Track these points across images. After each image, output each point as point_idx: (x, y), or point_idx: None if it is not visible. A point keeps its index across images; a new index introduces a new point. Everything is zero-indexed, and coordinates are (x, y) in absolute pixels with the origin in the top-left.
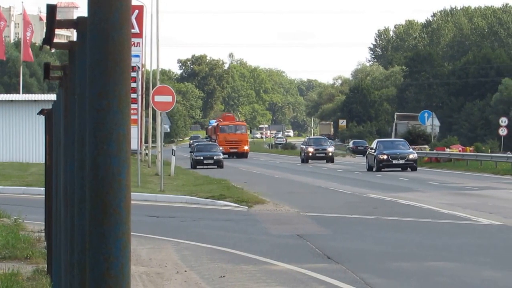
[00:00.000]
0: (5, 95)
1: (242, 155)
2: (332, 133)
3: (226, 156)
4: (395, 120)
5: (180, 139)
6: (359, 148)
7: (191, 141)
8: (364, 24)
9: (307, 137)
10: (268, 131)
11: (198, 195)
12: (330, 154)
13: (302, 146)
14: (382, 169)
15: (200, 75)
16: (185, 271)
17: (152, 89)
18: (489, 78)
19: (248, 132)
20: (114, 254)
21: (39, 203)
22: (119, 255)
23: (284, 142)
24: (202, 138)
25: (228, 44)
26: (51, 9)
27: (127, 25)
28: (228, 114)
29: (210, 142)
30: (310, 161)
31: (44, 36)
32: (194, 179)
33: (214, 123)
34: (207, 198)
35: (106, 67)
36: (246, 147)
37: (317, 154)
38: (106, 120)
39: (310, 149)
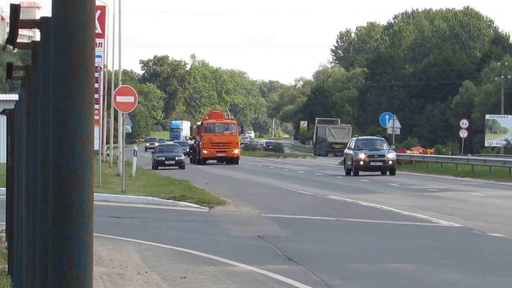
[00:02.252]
0: None
1: (232, 160)
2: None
3: (215, 161)
4: (316, 124)
5: (142, 140)
6: (270, 148)
7: (148, 144)
8: (326, 25)
9: (355, 137)
10: None
11: (159, 196)
12: (391, 162)
13: (347, 151)
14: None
15: (162, 75)
16: (146, 272)
17: (114, 90)
18: (450, 81)
19: (240, 132)
20: (76, 254)
21: (0, 204)
22: (81, 255)
23: (248, 142)
24: (166, 140)
25: (190, 45)
26: (15, 9)
27: (91, 26)
28: (216, 110)
29: (171, 143)
30: (361, 172)
31: (7, 36)
32: (155, 180)
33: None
34: (168, 199)
35: (70, 68)
36: (236, 151)
37: (372, 163)
38: (70, 121)
39: (362, 156)
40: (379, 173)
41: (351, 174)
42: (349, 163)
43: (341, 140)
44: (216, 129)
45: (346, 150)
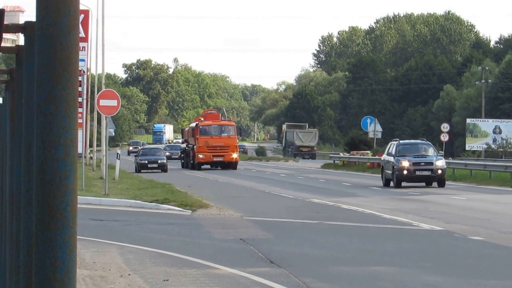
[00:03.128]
0: None
1: (230, 165)
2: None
3: (208, 166)
4: (285, 129)
5: (125, 143)
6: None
7: (131, 147)
8: (308, 30)
9: (396, 141)
10: None
11: (142, 199)
12: (440, 171)
13: (386, 157)
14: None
15: (145, 79)
16: (129, 274)
17: (97, 93)
18: (431, 85)
19: (238, 135)
20: (60, 257)
21: None
22: (65, 258)
23: None
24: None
25: (173, 49)
26: None
27: (75, 30)
28: (211, 111)
29: (154, 146)
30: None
31: None
32: (138, 183)
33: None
34: (151, 202)
35: (54, 72)
36: (234, 155)
37: (418, 172)
38: (54, 125)
39: (406, 164)
40: (423, 184)
41: (392, 185)
42: (389, 172)
43: (308, 143)
44: (213, 132)
45: (384, 157)
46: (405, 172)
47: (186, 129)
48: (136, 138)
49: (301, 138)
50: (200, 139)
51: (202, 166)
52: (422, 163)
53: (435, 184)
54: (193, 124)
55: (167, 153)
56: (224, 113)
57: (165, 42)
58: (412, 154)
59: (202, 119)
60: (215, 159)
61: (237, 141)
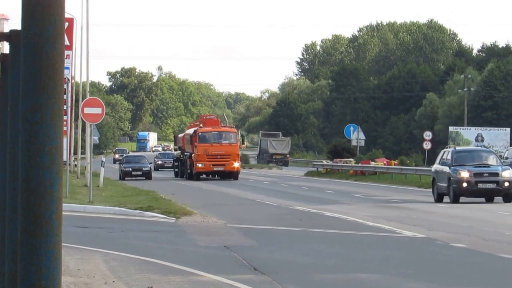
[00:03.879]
0: None
1: (231, 175)
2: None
3: (204, 175)
4: (260, 137)
5: (109, 151)
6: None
7: (117, 155)
8: (291, 38)
9: (451, 148)
10: None
11: (126, 206)
12: (507, 184)
13: (440, 167)
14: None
15: (129, 87)
16: (113, 281)
17: (82, 101)
18: (414, 93)
19: (240, 143)
20: (45, 265)
21: None
22: (50, 266)
23: None
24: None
25: (157, 57)
26: None
27: (60, 39)
28: (210, 116)
29: (138, 154)
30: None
31: None
32: (122, 190)
33: (189, 130)
34: (135, 209)
35: (40, 81)
36: (236, 164)
37: (481, 185)
38: (39, 133)
39: (466, 174)
40: (483, 199)
41: (448, 200)
42: (443, 185)
43: (281, 151)
44: (213, 139)
45: (436, 166)
46: (464, 184)
47: (181, 135)
48: (121, 145)
49: (274, 146)
50: (199, 147)
51: (201, 176)
52: (485, 174)
53: (497, 199)
54: (190, 131)
55: (159, 162)
56: (225, 119)
57: (149, 50)
58: (472, 163)
59: (201, 125)
60: (215, 168)
61: (239, 149)
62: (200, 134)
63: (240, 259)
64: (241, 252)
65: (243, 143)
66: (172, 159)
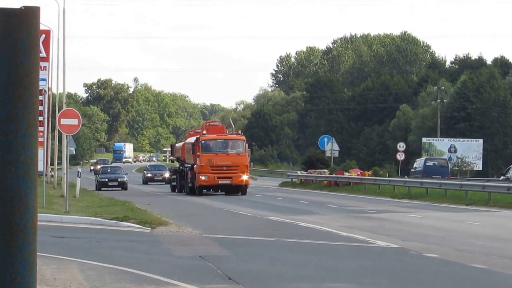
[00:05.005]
0: None
1: (238, 189)
2: None
3: (205, 189)
4: None
5: (86, 161)
6: None
7: (98, 166)
8: (266, 50)
9: None
10: None
11: (102, 216)
12: None
13: None
14: None
15: (105, 98)
16: None
17: (58, 112)
18: (387, 104)
19: (249, 152)
20: (20, 274)
21: None
22: (25, 274)
23: None
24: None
25: (133, 69)
26: None
27: (35, 50)
28: (214, 122)
29: (114, 165)
30: None
31: None
32: (98, 200)
33: (188, 137)
34: (111, 219)
35: (15, 91)
36: (244, 177)
37: None
38: (14, 143)
39: None
40: None
41: None
42: None
43: None
44: (218, 148)
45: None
46: None
47: (179, 145)
48: (97, 156)
49: None
50: (202, 157)
51: (204, 190)
52: None
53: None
54: (192, 139)
55: (149, 175)
56: (232, 125)
57: (126, 62)
58: None
59: (204, 132)
60: (221, 181)
61: (248, 159)
62: (203, 142)
63: (215, 268)
64: (216, 262)
65: (252, 153)
66: (164, 172)
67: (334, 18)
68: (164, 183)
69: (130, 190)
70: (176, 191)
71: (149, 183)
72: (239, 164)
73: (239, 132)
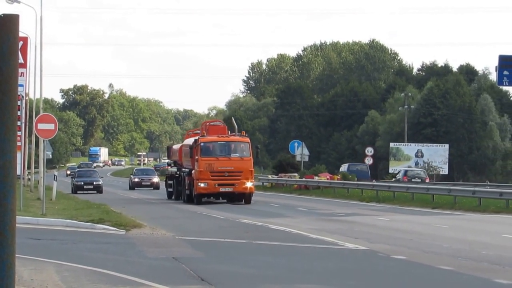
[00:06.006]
0: None
1: (241, 197)
2: None
3: (205, 197)
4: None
5: (62, 165)
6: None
7: (75, 171)
8: (238, 57)
9: None
10: (146, 158)
11: (78, 219)
12: None
13: None
14: None
15: (81, 104)
16: None
17: (36, 117)
18: (356, 110)
19: (254, 157)
20: None
21: None
22: (4, 276)
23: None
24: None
25: (108, 75)
26: None
27: (14, 57)
28: (215, 122)
29: (90, 168)
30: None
31: None
32: (74, 203)
33: (186, 139)
34: (87, 222)
35: None
36: (248, 184)
37: None
38: None
39: None
40: None
41: None
42: None
43: None
44: (219, 151)
45: None
46: None
47: (176, 147)
48: (73, 160)
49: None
50: (201, 161)
51: (203, 198)
52: None
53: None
54: (190, 140)
55: (136, 179)
56: (234, 125)
57: (101, 68)
58: None
59: (204, 133)
60: (222, 189)
61: (252, 164)
62: (202, 144)
63: (188, 270)
64: (189, 263)
65: (257, 156)
66: (152, 177)
67: (304, 26)
68: (152, 188)
69: (118, 197)
70: (173, 198)
71: (136, 188)
72: (242, 169)
73: (243, 133)
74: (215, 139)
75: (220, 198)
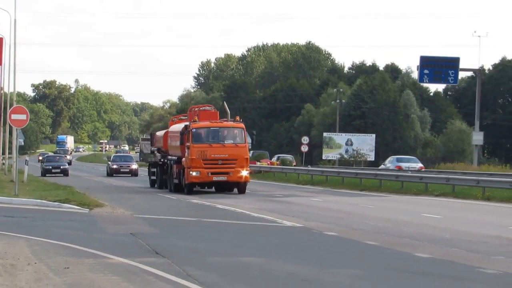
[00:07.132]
0: None
1: (236, 186)
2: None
3: (197, 187)
4: (140, 141)
5: (33, 151)
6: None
7: (44, 156)
8: (190, 56)
9: None
10: (107, 145)
11: (47, 199)
12: None
13: None
14: None
15: (50, 97)
16: (35, 263)
17: (9, 109)
18: (293, 104)
19: (250, 144)
20: None
21: None
22: None
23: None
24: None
25: (75, 71)
26: None
27: None
28: (205, 107)
29: (58, 154)
30: None
31: None
32: (44, 185)
33: (176, 124)
34: (54, 202)
35: None
36: (244, 172)
37: None
38: None
39: None
40: None
41: None
42: None
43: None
44: (212, 137)
45: None
46: None
47: (160, 133)
48: (42, 147)
49: (147, 148)
50: (193, 149)
51: (194, 188)
52: None
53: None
54: (177, 127)
55: (114, 166)
56: (226, 110)
57: (68, 65)
58: None
59: (195, 118)
60: (215, 178)
61: (248, 151)
62: (194, 130)
63: (144, 244)
64: (145, 239)
65: (252, 143)
66: (130, 163)
67: (249, 29)
68: (130, 175)
69: (98, 183)
70: (156, 186)
71: (114, 175)
72: (237, 157)
73: (237, 118)
74: (207, 124)
75: (206, 188)
